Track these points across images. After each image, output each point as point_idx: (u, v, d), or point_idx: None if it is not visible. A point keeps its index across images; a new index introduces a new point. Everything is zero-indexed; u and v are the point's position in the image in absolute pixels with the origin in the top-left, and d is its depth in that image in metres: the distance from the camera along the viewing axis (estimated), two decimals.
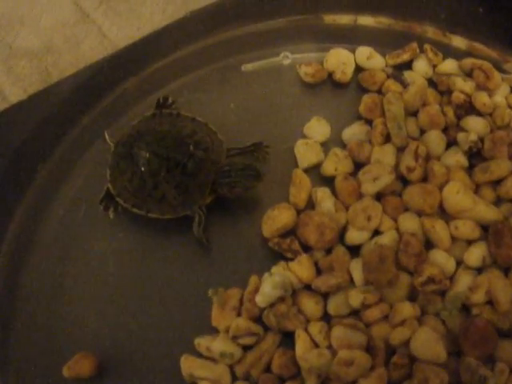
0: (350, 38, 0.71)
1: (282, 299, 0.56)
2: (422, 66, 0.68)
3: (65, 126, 0.67)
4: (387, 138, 0.64)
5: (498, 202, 0.61)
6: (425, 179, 0.61)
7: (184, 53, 0.71)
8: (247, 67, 0.70)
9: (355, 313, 0.57)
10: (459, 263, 0.58)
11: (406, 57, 0.69)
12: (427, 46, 0.68)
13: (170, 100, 0.67)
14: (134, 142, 0.62)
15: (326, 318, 0.57)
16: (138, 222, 0.62)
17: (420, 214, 0.60)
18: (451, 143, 0.64)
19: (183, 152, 0.60)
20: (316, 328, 0.56)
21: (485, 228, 0.59)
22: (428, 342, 0.53)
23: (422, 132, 0.64)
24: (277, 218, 0.60)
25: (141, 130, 0.63)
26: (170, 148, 0.61)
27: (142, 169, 0.61)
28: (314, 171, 0.64)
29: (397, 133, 0.63)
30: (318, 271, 0.59)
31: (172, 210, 0.61)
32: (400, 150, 0.63)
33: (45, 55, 0.72)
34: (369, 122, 0.65)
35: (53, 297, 0.61)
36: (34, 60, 0.72)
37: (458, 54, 0.69)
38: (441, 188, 0.60)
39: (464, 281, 0.57)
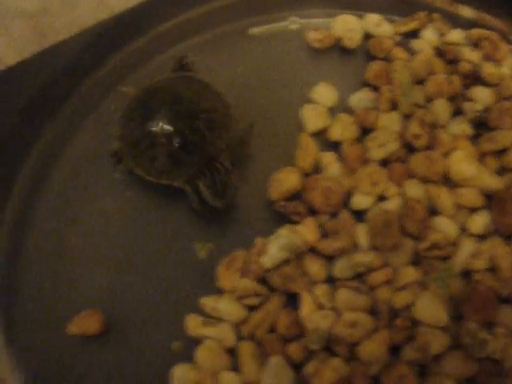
0: (359, 4, 0.70)
1: (287, 261, 0.56)
2: (429, 35, 0.68)
3: (71, 86, 0.66)
4: (394, 105, 0.63)
5: (501, 171, 0.61)
6: (429, 147, 0.61)
7: (191, 15, 0.70)
8: (254, 31, 0.69)
9: (359, 276, 0.57)
10: (462, 230, 0.58)
11: (413, 25, 0.68)
12: (435, 16, 0.68)
13: (186, 60, 0.66)
14: (150, 97, 0.61)
15: (331, 280, 0.57)
16: (145, 182, 0.62)
17: (425, 181, 0.60)
18: (457, 112, 0.63)
19: (191, 126, 0.59)
20: (321, 290, 0.56)
21: (488, 196, 0.59)
22: (430, 306, 0.54)
23: (428, 100, 0.64)
24: (283, 181, 0.60)
25: (161, 88, 0.62)
26: (181, 116, 0.60)
27: (148, 124, 0.60)
28: (321, 136, 0.64)
29: (403, 100, 0.63)
30: (323, 235, 0.59)
31: (156, 175, 0.60)
32: (406, 117, 0.63)
33: (41, 17, 0.70)
34: (375, 89, 0.65)
35: (58, 256, 0.60)
36: (30, 21, 0.70)
37: (465, 24, 0.69)
38: (446, 156, 0.60)
39: (467, 247, 0.57)
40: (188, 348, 0.56)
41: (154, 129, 0.60)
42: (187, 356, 0.55)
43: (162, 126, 0.59)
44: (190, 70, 0.65)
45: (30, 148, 0.64)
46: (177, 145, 0.59)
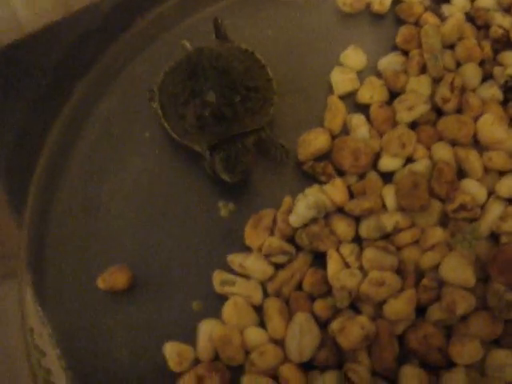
0: None
1: (314, 220, 0.56)
2: (460, 0, 0.67)
3: (101, 46, 0.67)
4: (423, 69, 0.63)
5: None
6: (459, 111, 0.61)
7: None
8: None
9: (386, 237, 0.57)
10: (490, 194, 0.58)
11: None
12: None
13: (221, 23, 0.65)
14: (202, 59, 0.61)
15: (358, 240, 0.57)
16: (173, 141, 0.62)
17: (454, 144, 0.59)
18: (487, 77, 0.63)
19: (229, 99, 0.59)
20: (348, 249, 0.56)
21: None
22: (457, 267, 0.53)
23: (458, 65, 0.64)
24: (312, 142, 0.60)
25: (215, 53, 0.61)
26: (224, 86, 0.59)
27: (190, 82, 0.60)
28: (349, 99, 0.64)
29: (433, 64, 0.62)
30: (351, 196, 0.59)
31: (180, 133, 0.60)
32: (435, 81, 0.62)
33: None
34: (405, 53, 0.65)
35: (87, 213, 0.61)
36: None
37: None
38: (475, 120, 0.59)
39: (494, 210, 0.57)
40: (214, 305, 0.56)
41: (194, 88, 0.60)
42: (214, 313, 0.56)
43: (202, 89, 0.59)
44: (225, 33, 0.65)
45: (61, 107, 0.65)
46: (208, 111, 0.59)
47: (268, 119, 0.61)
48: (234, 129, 0.59)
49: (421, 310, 0.54)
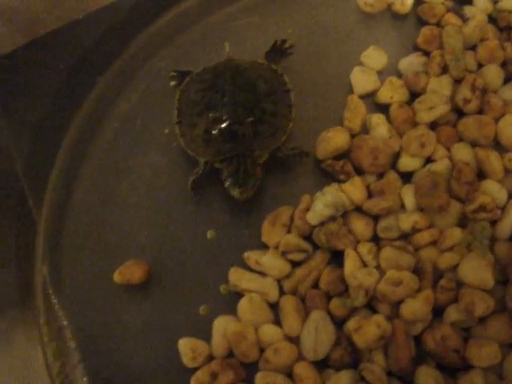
0: None
1: (332, 218, 0.56)
2: (482, 2, 0.66)
3: (122, 43, 0.67)
4: (444, 70, 0.62)
5: None
6: (479, 113, 0.60)
7: None
8: None
9: (404, 236, 0.56)
10: (511, 195, 0.57)
11: None
12: None
13: (288, 44, 0.65)
14: (229, 72, 0.61)
15: (375, 239, 0.57)
16: None
17: (474, 144, 0.59)
18: (509, 78, 0.62)
19: (242, 118, 0.58)
20: (365, 248, 0.56)
21: None
22: (476, 268, 0.52)
23: (480, 66, 0.63)
24: (331, 140, 0.59)
25: (244, 67, 0.61)
26: (241, 104, 0.58)
27: (209, 94, 0.60)
28: (369, 99, 0.63)
29: (455, 65, 0.61)
30: (370, 195, 0.58)
31: (185, 141, 0.60)
32: (457, 82, 0.61)
33: None
34: (426, 54, 0.64)
35: (105, 206, 0.61)
36: None
37: None
38: (496, 121, 0.59)
39: None
40: (230, 302, 0.56)
41: (210, 100, 0.59)
42: (229, 309, 0.56)
43: (218, 103, 0.59)
44: (286, 53, 0.65)
45: (81, 103, 0.65)
46: (217, 128, 0.58)
47: (277, 145, 0.59)
48: (239, 150, 0.58)
49: (438, 311, 0.53)
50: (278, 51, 0.65)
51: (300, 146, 0.60)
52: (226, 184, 0.58)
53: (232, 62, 0.62)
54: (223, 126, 0.58)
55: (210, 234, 0.59)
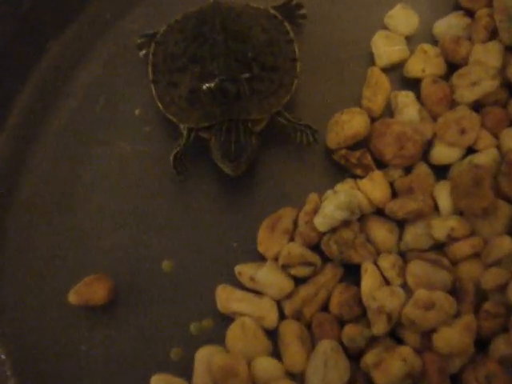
0: None
1: (346, 224, 0.56)
2: None
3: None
4: (493, 35, 0.63)
5: None
6: None
7: None
8: None
9: (438, 247, 0.56)
10: None
11: None
12: None
13: (302, 11, 0.66)
14: (216, 16, 0.61)
15: (401, 251, 0.57)
16: (167, 118, 0.61)
17: None
18: None
19: (236, 70, 0.59)
20: (388, 262, 0.56)
21: None
22: None
23: None
24: (346, 125, 0.59)
25: (238, 11, 0.62)
26: (235, 53, 0.59)
27: (194, 45, 0.60)
28: (395, 72, 0.64)
29: (507, 27, 0.61)
30: (394, 193, 0.58)
31: (165, 103, 0.60)
32: (509, 50, 0.62)
33: None
34: (469, 14, 0.64)
35: (60, 205, 0.61)
36: None
37: None
38: None
39: None
40: (217, 327, 0.56)
41: (196, 52, 0.60)
42: (215, 337, 0.56)
43: (206, 55, 0.59)
44: (295, 20, 0.65)
45: (30, 72, 0.65)
46: (206, 85, 0.58)
47: (279, 107, 0.60)
48: (232, 113, 0.58)
49: (482, 343, 0.53)
50: (289, 13, 0.65)
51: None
52: (215, 156, 0.58)
53: (221, 5, 0.62)
54: (212, 83, 0.58)
55: (193, 240, 0.59)
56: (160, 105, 0.60)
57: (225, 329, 0.55)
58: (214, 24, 0.61)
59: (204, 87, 0.58)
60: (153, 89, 0.61)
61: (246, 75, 0.59)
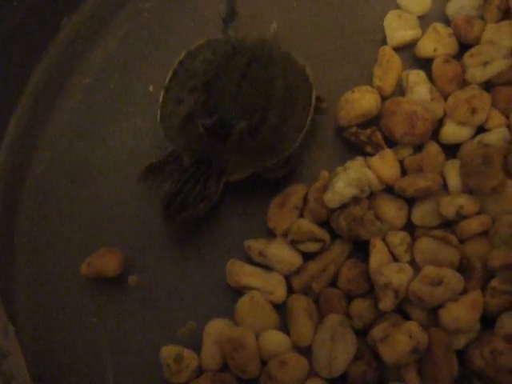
0: None
1: (356, 200, 0.56)
2: None
3: None
4: (505, 14, 0.62)
5: None
6: None
7: None
8: None
9: (446, 225, 0.56)
10: None
11: None
12: None
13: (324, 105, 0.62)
14: (245, 55, 0.58)
15: (409, 227, 0.57)
16: None
17: None
18: None
19: (237, 117, 0.56)
20: (397, 238, 0.56)
21: None
22: None
23: None
24: (356, 103, 0.59)
25: (270, 59, 0.59)
26: (244, 98, 0.57)
27: (216, 69, 0.58)
28: (407, 52, 0.63)
29: None
30: (404, 172, 0.58)
31: (163, 116, 0.59)
32: None
33: None
34: None
35: (74, 179, 0.62)
36: None
37: None
38: None
39: None
40: (226, 302, 0.57)
41: (211, 81, 0.57)
42: (225, 312, 0.56)
43: (218, 90, 0.57)
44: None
45: (43, 50, 0.65)
46: (204, 124, 0.55)
47: (260, 169, 0.58)
48: (212, 158, 0.57)
49: (488, 320, 0.53)
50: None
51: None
52: (161, 198, 0.57)
53: (264, 46, 0.60)
54: (208, 119, 0.56)
55: (202, 219, 0.59)
56: (158, 114, 0.59)
57: (234, 302, 0.56)
58: (240, 63, 0.58)
59: (199, 118, 0.56)
60: (161, 95, 0.59)
61: (242, 125, 0.55)
